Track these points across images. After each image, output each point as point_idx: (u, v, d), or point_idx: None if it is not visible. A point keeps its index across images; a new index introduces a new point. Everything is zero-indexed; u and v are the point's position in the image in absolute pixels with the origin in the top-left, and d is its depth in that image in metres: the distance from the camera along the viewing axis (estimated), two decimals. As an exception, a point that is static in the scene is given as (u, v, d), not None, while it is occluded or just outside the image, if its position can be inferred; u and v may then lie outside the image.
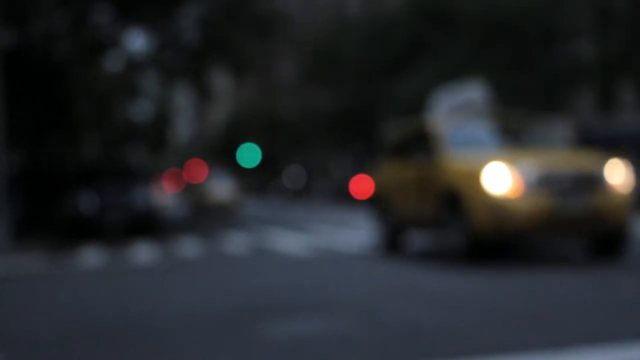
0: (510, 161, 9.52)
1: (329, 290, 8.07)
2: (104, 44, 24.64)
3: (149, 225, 18.78)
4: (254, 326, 6.00)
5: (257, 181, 67.47)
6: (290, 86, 55.95)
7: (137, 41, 28.29)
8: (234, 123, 66.06)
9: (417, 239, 13.31)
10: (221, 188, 33.60)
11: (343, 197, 43.91)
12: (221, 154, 68.28)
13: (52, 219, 20.26)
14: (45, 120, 22.28)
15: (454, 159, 10.30)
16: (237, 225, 22.44)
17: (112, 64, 29.92)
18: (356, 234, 16.56)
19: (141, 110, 47.46)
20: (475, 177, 9.53)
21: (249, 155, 63.31)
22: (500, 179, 9.33)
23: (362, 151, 47.31)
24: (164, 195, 22.72)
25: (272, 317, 6.41)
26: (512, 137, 11.37)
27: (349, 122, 43.75)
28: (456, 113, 11.91)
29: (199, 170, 65.46)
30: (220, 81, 54.83)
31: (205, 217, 29.04)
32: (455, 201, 9.84)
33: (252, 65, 27.50)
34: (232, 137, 64.82)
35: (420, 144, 11.26)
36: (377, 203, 12.85)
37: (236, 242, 15.70)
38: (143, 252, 14.36)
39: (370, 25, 39.69)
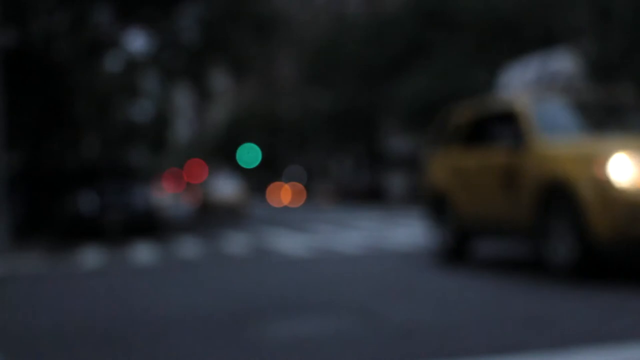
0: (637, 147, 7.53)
1: (333, 291, 8.07)
2: (104, 44, 24.64)
3: (148, 225, 18.78)
4: (254, 326, 6.00)
5: (257, 181, 67.48)
6: (290, 86, 55.95)
7: (137, 41, 28.30)
8: (234, 123, 66.09)
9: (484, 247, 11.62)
10: (227, 188, 32.46)
11: (343, 196, 43.98)
12: (221, 154, 68.30)
13: (52, 219, 20.26)
14: (45, 120, 22.28)
15: (558, 144, 8.22)
16: (237, 226, 22.44)
17: (112, 64, 29.92)
18: (358, 234, 16.56)
19: (141, 110, 47.44)
20: (594, 166, 7.43)
21: (249, 155, 63.32)
22: (628, 169, 7.34)
23: (362, 151, 47.31)
24: (164, 195, 22.72)
25: (272, 317, 6.41)
26: (618, 118, 9.27)
27: (349, 122, 43.76)
28: (540, 89, 9.55)
29: (199, 170, 65.61)
30: (220, 81, 54.82)
31: (211, 219, 28.48)
32: (560, 198, 7.76)
33: (252, 65, 27.51)
34: (232, 137, 64.84)
35: (501, 127, 9.12)
36: (431, 202, 10.75)
37: (236, 242, 15.70)
38: (143, 252, 14.36)
39: (369, 25, 39.69)
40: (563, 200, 7.69)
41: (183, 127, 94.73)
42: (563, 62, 9.64)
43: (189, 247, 15.01)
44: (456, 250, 10.12)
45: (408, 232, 16.30)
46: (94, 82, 30.80)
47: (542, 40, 31.06)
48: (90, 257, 14.00)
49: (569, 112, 9.11)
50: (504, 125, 9.03)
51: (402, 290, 7.87)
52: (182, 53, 24.96)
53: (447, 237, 10.25)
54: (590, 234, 7.34)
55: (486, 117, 9.72)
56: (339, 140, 46.97)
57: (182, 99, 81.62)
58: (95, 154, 36.18)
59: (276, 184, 58.62)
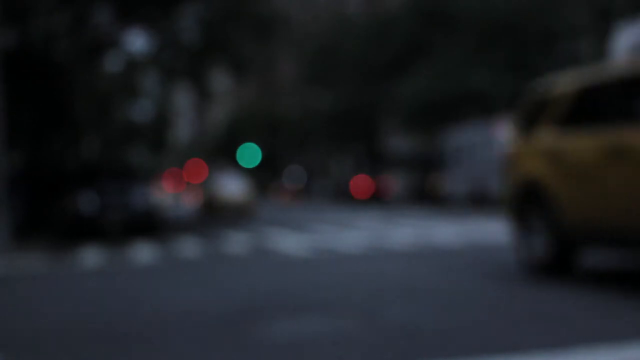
0: None
1: (333, 290, 8.07)
2: (104, 44, 24.64)
3: (148, 225, 18.78)
4: (254, 326, 6.00)
5: (257, 181, 67.54)
6: (290, 86, 55.96)
7: (137, 41, 28.31)
8: (234, 123, 66.12)
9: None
10: (234, 187, 31.37)
11: (343, 196, 43.96)
12: (221, 154, 68.34)
13: (52, 219, 20.26)
14: (45, 120, 22.28)
15: None
16: (237, 225, 22.44)
17: (112, 64, 29.92)
18: (358, 234, 16.56)
19: (141, 110, 47.45)
20: None
21: (249, 155, 63.33)
22: None
23: (362, 151, 47.31)
24: (164, 195, 22.72)
25: (272, 317, 6.41)
26: None
27: (349, 122, 43.77)
28: None
29: (199, 170, 65.78)
30: (220, 81, 54.83)
31: (217, 219, 28.05)
32: None
33: (252, 65, 27.50)
34: (232, 137, 64.87)
35: (623, 99, 7.10)
36: (521, 200, 8.49)
37: (236, 242, 15.70)
38: (143, 252, 14.35)
39: (370, 25, 39.71)
40: None
41: (183, 127, 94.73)
42: None
43: (189, 247, 15.00)
44: (558, 263, 7.96)
45: (408, 232, 16.30)
46: (94, 82, 30.81)
47: (542, 40, 31.06)
48: (90, 257, 14.00)
49: None
50: (627, 98, 7.09)
51: (402, 290, 7.87)
52: (182, 53, 24.96)
53: (543, 246, 8.11)
54: None
55: (602, 87, 7.45)
56: (339, 140, 46.98)
57: (182, 99, 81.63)
58: (95, 154, 36.17)
59: (276, 184, 58.70)
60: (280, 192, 55.94)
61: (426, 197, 33.42)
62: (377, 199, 39.67)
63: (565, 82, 8.12)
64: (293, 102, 53.65)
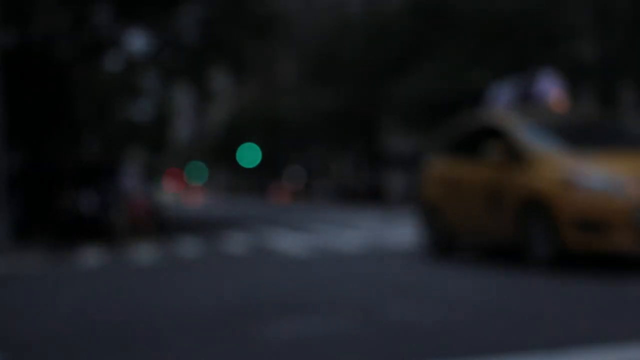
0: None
1: (333, 290, 8.07)
2: (104, 44, 24.63)
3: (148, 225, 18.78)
4: (254, 326, 6.00)
5: (257, 181, 67.53)
6: (290, 86, 55.97)
7: (137, 41, 28.29)
8: (234, 123, 66.12)
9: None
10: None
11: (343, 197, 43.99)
12: (221, 154, 68.36)
13: (52, 219, 20.26)
14: (45, 120, 22.27)
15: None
16: (237, 225, 22.44)
17: (112, 64, 29.91)
18: (358, 234, 16.56)
19: (141, 110, 47.44)
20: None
21: (249, 155, 63.33)
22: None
23: (362, 151, 47.32)
24: (164, 195, 22.68)
25: (271, 316, 6.41)
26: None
27: (349, 122, 43.78)
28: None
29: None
30: (220, 81, 54.83)
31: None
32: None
33: (252, 65, 27.48)
34: (232, 137, 64.87)
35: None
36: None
37: (236, 242, 15.70)
38: (143, 252, 14.36)
39: (370, 25, 39.70)
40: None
41: (183, 127, 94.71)
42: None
43: (189, 247, 15.01)
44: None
45: (407, 231, 16.31)
46: (94, 82, 30.80)
47: (542, 40, 31.05)
48: (90, 257, 14.00)
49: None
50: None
51: (402, 289, 7.87)
52: (182, 53, 24.95)
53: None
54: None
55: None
56: (339, 140, 46.98)
57: (182, 99, 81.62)
58: (95, 154, 36.16)
59: (276, 184, 58.73)
60: (280, 192, 56.01)
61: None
62: (377, 199, 39.67)
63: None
64: (293, 102, 53.63)
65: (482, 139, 9.79)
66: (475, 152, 9.89)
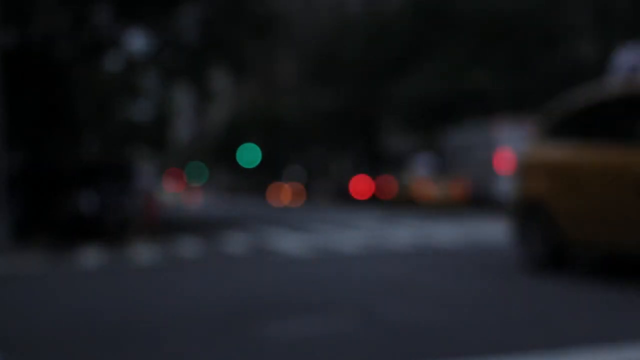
0: None
1: (333, 290, 8.07)
2: (104, 44, 24.62)
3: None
4: (254, 326, 6.00)
5: (257, 181, 67.54)
6: (290, 86, 55.98)
7: (137, 41, 28.27)
8: (234, 123, 66.15)
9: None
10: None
11: (343, 197, 43.94)
12: (221, 154, 68.38)
13: (52, 219, 20.25)
14: (45, 120, 22.27)
15: None
16: (237, 225, 22.43)
17: (112, 64, 29.90)
18: (358, 234, 16.56)
19: (141, 110, 47.43)
20: None
21: (249, 155, 63.35)
22: None
23: (362, 151, 47.33)
24: (165, 195, 22.72)
25: (272, 316, 6.41)
26: None
27: (349, 122, 43.78)
28: None
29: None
30: (220, 81, 54.84)
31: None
32: None
33: (252, 65, 27.47)
34: (232, 137, 64.88)
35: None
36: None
37: (236, 242, 15.70)
38: (143, 252, 14.36)
39: (370, 25, 39.71)
40: None
41: (183, 127, 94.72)
42: None
43: (188, 247, 15.00)
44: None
45: (408, 232, 16.30)
46: (94, 82, 30.80)
47: (542, 40, 31.05)
48: (91, 257, 14.00)
49: None
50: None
51: (402, 289, 7.87)
52: (182, 53, 24.94)
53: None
54: None
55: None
56: (339, 140, 46.99)
57: (182, 99, 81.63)
58: (95, 154, 36.17)
59: (276, 184, 58.72)
60: (280, 192, 56.01)
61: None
62: (377, 199, 39.65)
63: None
64: (293, 102, 53.65)
65: (621, 114, 7.50)
66: (612, 132, 7.52)
